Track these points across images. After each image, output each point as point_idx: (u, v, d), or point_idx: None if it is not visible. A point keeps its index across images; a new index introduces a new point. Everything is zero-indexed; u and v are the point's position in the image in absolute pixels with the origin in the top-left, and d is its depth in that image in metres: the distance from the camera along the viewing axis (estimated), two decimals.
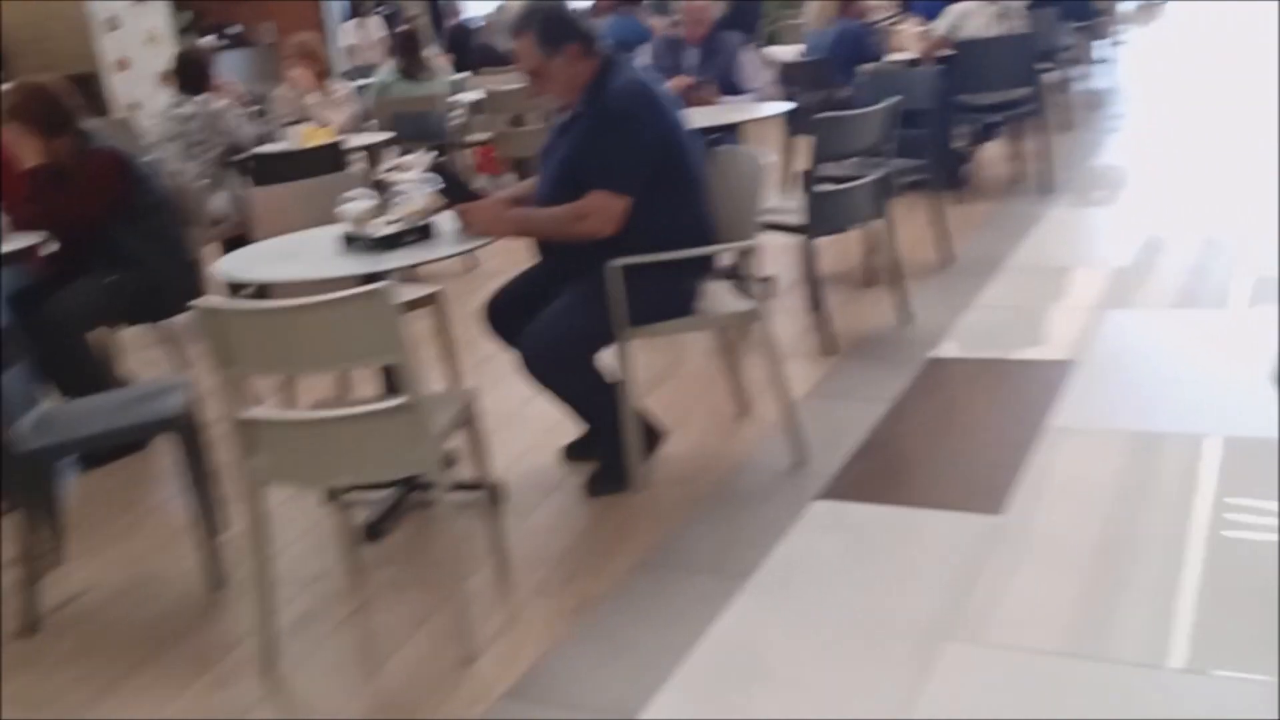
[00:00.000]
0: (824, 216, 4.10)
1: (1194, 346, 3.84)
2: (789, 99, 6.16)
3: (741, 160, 3.33)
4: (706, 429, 3.64)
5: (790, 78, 6.19)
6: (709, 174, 3.25)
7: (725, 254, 3.37)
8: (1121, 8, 14.13)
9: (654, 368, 4.14)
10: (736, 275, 3.37)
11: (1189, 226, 5.24)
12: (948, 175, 6.03)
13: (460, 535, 2.95)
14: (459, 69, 8.86)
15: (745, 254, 3.29)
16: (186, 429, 2.91)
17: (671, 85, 5.23)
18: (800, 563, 2.73)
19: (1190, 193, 5.90)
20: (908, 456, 3.32)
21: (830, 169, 4.56)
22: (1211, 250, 4.84)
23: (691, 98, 5.16)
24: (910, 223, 5.13)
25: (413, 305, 3.59)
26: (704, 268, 3.25)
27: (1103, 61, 10.36)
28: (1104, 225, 5.59)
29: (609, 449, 3.18)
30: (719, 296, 3.30)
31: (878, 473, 3.23)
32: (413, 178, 3.21)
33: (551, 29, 3.11)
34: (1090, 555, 2.62)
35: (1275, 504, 2.74)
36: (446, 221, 3.01)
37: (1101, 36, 9.66)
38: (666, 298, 3.13)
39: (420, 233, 2.91)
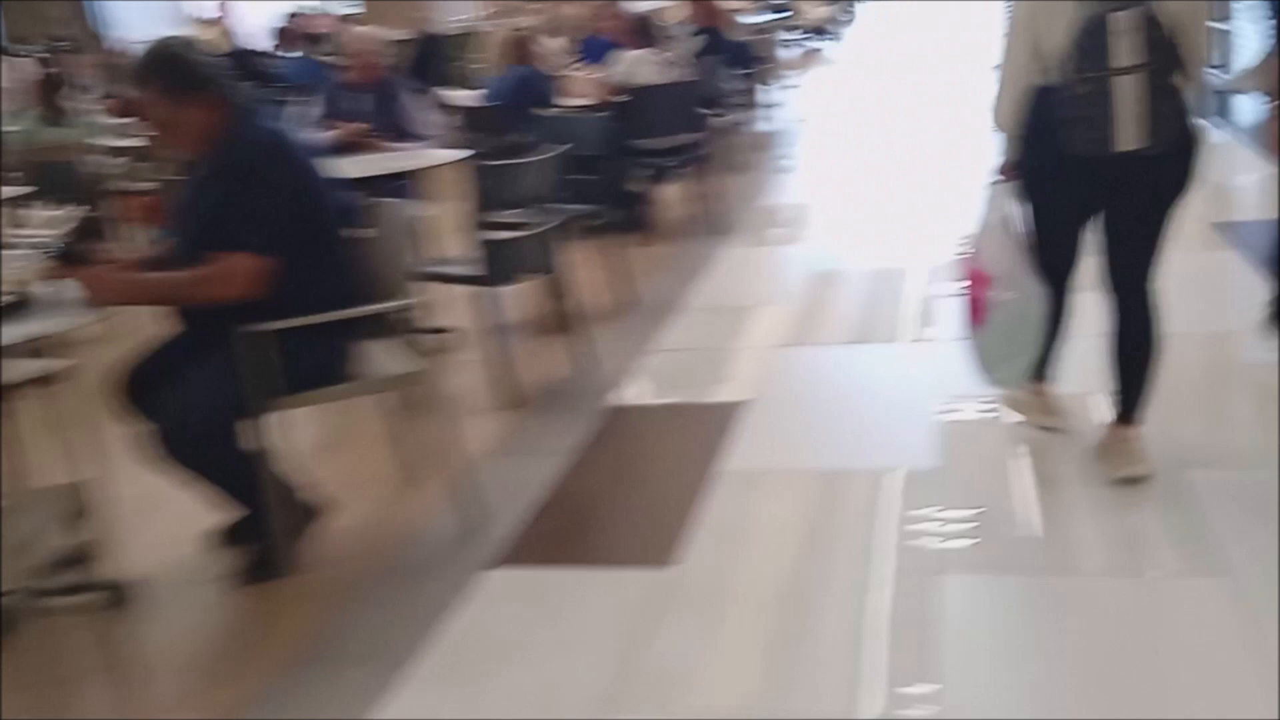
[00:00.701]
0: (498, 266, 3.98)
1: (867, 380, 3.99)
2: (470, 145, 6.07)
3: (392, 214, 3.16)
4: (375, 499, 3.42)
5: (470, 123, 6.08)
6: (361, 229, 3.05)
7: (388, 311, 3.17)
8: (785, 55, 15.05)
9: (318, 434, 3.87)
10: (401, 333, 3.18)
11: (859, 261, 5.50)
12: (628, 218, 6.09)
13: (80, 645, 2.59)
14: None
15: (405, 311, 3.11)
16: None
17: (343, 132, 5.01)
18: (469, 640, 2.57)
19: (860, 227, 6.23)
20: (585, 512, 3.24)
21: (507, 217, 4.49)
22: (882, 283, 5.07)
23: (363, 145, 4.96)
24: (593, 267, 5.12)
25: (38, 381, 3.18)
26: (356, 329, 3.03)
27: (772, 106, 10.91)
28: (778, 263, 5.82)
29: (261, 531, 2.90)
30: (384, 356, 3.10)
31: (554, 533, 3.12)
32: (30, 238, 2.84)
33: (179, 77, 2.83)
34: (768, 605, 2.61)
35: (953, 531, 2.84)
36: (69, 289, 2.66)
37: (765, 82, 10.16)
38: (316, 364, 2.89)
39: (17, 305, 2.55)
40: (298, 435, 2.96)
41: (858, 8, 25.89)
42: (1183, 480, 2.93)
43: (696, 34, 8.00)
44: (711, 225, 6.38)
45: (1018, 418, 3.37)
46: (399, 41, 11.45)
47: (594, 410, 3.91)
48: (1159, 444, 3.05)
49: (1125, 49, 2.64)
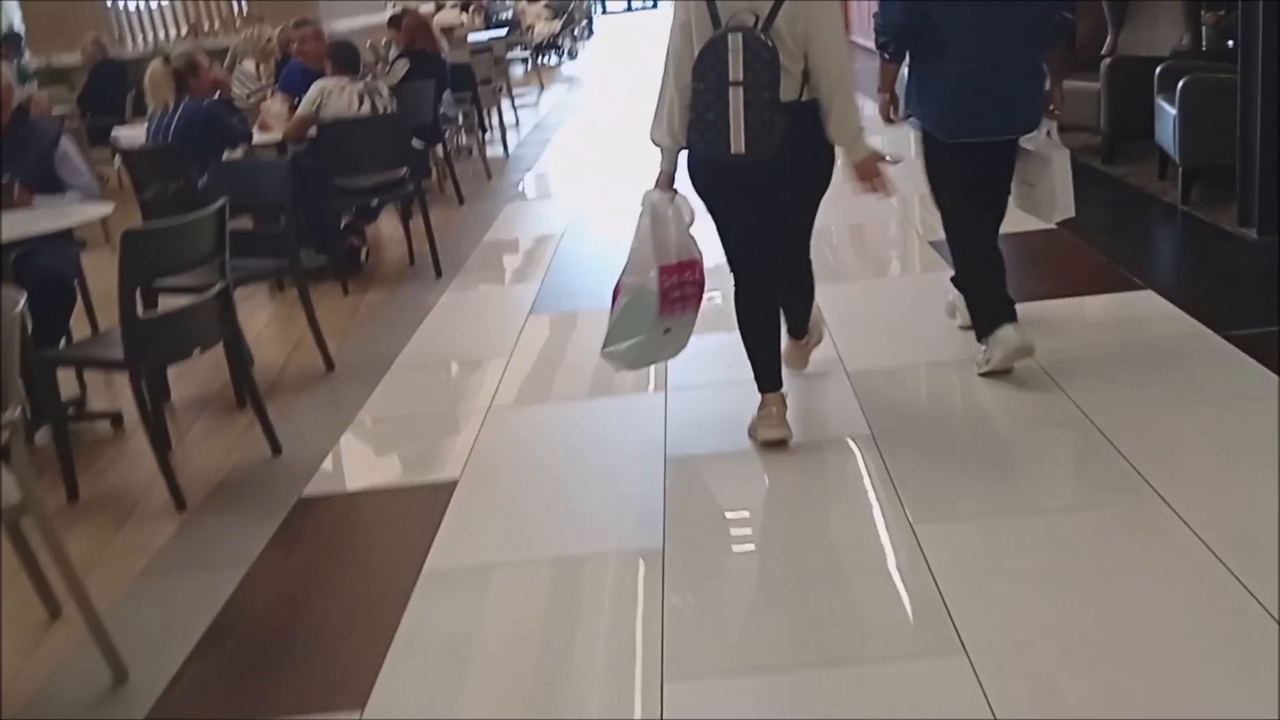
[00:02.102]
0: (148, 348, 3.38)
1: (594, 441, 3.59)
2: (137, 192, 5.35)
3: None
4: (8, 641, 2.78)
5: (134, 169, 5.36)
6: None
7: None
8: (514, 71, 14.69)
9: None
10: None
11: (589, 299, 5.00)
12: (333, 265, 5.54)
13: None
14: None
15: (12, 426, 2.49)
16: None
17: None
18: None
19: (593, 259, 5.81)
20: (259, 644, 2.70)
21: (167, 282, 3.89)
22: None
23: None
24: (288, 324, 4.57)
25: None
26: None
27: (502, 128, 10.50)
28: (502, 307, 5.29)
29: None
30: None
31: (219, 676, 2.58)
32: None
33: None
34: None
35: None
36: None
37: (492, 104, 9.71)
38: None
39: None
40: None
41: (597, 22, 25.95)
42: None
43: (400, 57, 7.50)
44: (424, 268, 5.85)
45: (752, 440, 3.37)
46: (62, 70, 10.44)
47: (280, 504, 3.37)
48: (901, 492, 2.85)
49: (737, 65, 2.97)
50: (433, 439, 3.83)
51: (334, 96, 5.65)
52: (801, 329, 3.74)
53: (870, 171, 3.20)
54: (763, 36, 2.96)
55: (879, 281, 5.14)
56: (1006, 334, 3.51)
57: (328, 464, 3.65)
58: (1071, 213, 3.75)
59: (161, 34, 12.05)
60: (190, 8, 12.07)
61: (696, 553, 2.84)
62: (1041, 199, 3.71)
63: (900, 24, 3.51)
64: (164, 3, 12.19)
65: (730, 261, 3.33)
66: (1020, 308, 3.63)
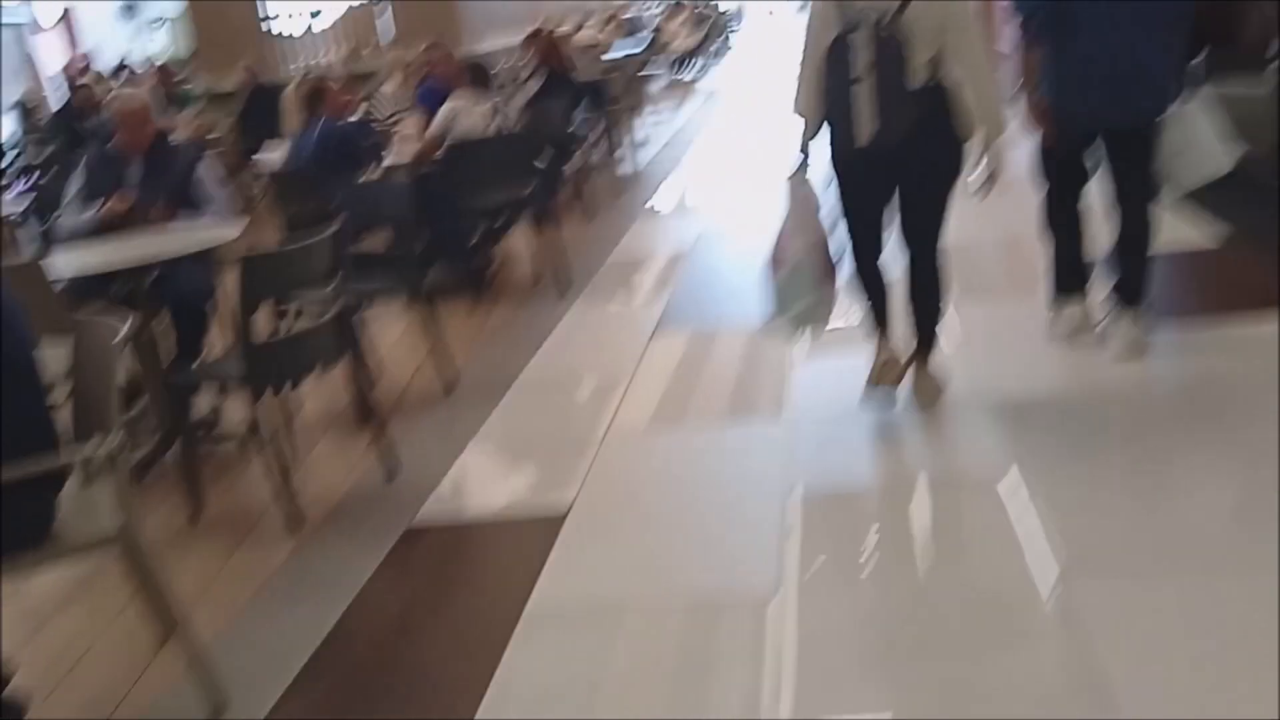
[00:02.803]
0: (267, 370, 3.38)
1: (720, 474, 3.43)
2: (280, 213, 5.46)
3: (98, 333, 2.55)
4: (114, 668, 2.79)
5: (277, 190, 5.47)
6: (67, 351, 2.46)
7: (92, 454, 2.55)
8: (653, 89, 14.66)
9: (56, 587, 3.22)
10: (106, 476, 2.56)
11: (723, 319, 4.90)
12: (462, 282, 5.55)
13: None
14: None
15: (115, 451, 2.49)
16: None
17: (106, 207, 4.35)
18: None
19: (728, 277, 5.71)
20: (357, 683, 2.63)
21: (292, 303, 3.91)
22: (748, 353, 4.43)
23: (133, 219, 4.31)
24: (414, 342, 4.55)
25: None
26: (50, 481, 2.41)
27: (636, 145, 10.46)
28: (623, 326, 5.18)
29: None
30: (87, 508, 2.48)
31: (319, 705, 2.53)
32: None
33: None
34: None
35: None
36: None
37: (622, 121, 9.65)
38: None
39: None
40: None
41: (737, 33, 25.79)
42: None
43: (533, 75, 7.50)
44: (558, 284, 5.80)
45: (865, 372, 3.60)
46: (224, 95, 10.79)
47: (388, 532, 3.32)
48: None
49: (864, 61, 3.20)
50: (546, 467, 3.73)
51: (464, 115, 5.65)
52: (928, 338, 3.62)
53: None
54: (888, 32, 3.16)
55: (1029, 301, 4.80)
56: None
57: (441, 489, 3.59)
58: (1239, 151, 3.66)
59: (318, 59, 12.29)
60: (344, 33, 12.34)
61: (820, 600, 2.66)
62: (1202, 156, 3.65)
63: (1041, 7, 3.63)
64: (319, 29, 12.50)
65: (849, 231, 3.52)
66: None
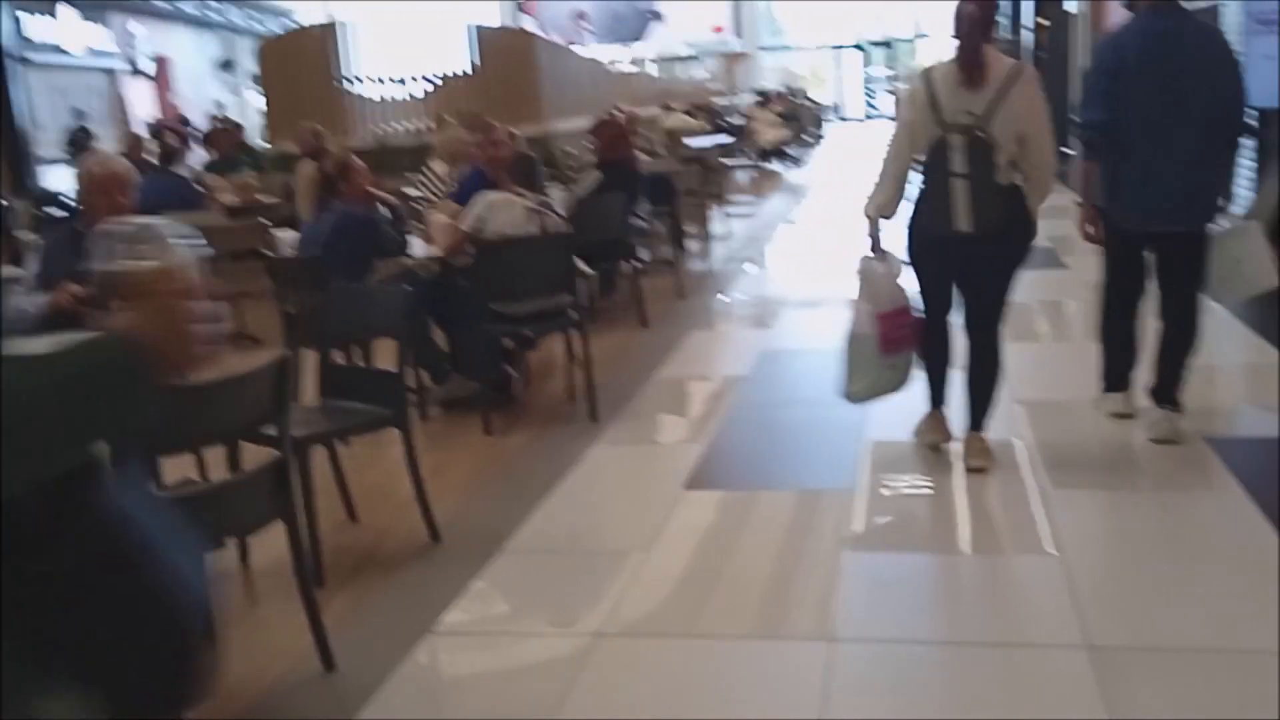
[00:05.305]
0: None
1: (717, 703, 2.68)
2: (278, 303, 4.86)
3: None
4: None
5: (277, 276, 4.87)
6: None
7: None
8: (737, 176, 14.04)
9: None
10: None
11: (767, 482, 4.16)
12: (486, 395, 4.88)
13: None
14: None
15: None
16: None
17: (59, 294, 3.73)
18: None
19: (778, 415, 4.96)
20: None
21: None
22: (790, 536, 3.68)
23: (85, 312, 3.70)
24: (400, 473, 3.84)
25: None
26: None
27: (712, 239, 9.80)
28: (652, 474, 4.38)
29: None
30: None
31: None
32: None
33: None
34: None
35: None
36: None
37: (690, 218, 8.95)
38: None
39: None
40: None
41: (826, 127, 25.27)
42: None
43: (597, 168, 6.87)
44: (590, 407, 5.06)
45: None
46: (293, 158, 10.31)
47: None
48: None
49: (961, 160, 3.62)
50: (518, 674, 2.98)
51: (500, 211, 5.00)
52: (980, 418, 3.94)
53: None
54: (981, 134, 3.58)
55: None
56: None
57: (384, 693, 2.84)
58: (1275, 281, 3.89)
59: (400, 126, 11.45)
60: (429, 105, 11.46)
61: None
62: (1250, 271, 3.87)
63: (1103, 121, 3.87)
64: (399, 95, 11.71)
65: (925, 305, 3.89)
66: None
